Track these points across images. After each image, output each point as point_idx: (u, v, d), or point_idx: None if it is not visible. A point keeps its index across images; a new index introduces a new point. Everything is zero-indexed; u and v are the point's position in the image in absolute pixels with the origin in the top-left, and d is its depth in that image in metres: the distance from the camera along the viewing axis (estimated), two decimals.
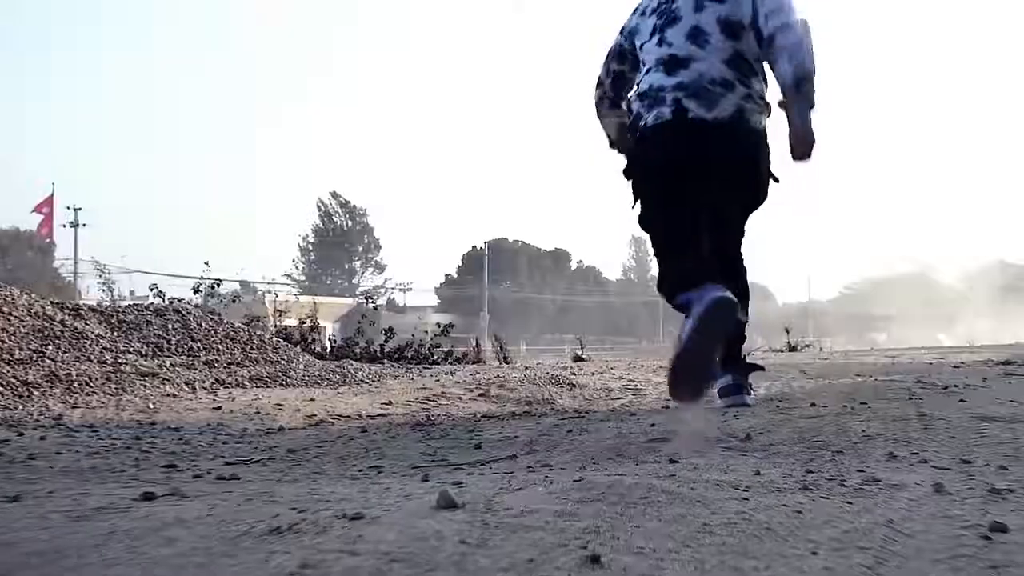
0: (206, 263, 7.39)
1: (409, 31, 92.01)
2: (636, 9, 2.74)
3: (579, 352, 7.08)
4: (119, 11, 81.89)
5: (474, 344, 7.83)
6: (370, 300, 7.85)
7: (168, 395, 3.31)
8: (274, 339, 4.79)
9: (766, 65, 2.49)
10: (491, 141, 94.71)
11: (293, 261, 61.38)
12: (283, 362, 4.34)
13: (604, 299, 59.12)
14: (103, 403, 3.02)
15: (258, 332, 4.76)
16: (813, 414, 2.02)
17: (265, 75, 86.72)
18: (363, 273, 62.39)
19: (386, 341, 6.90)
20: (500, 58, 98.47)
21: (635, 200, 2.55)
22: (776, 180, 2.55)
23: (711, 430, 1.78)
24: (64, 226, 41.16)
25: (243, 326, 4.73)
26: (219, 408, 3.03)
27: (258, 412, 2.97)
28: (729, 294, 2.04)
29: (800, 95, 2.34)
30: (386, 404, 3.30)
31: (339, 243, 60.85)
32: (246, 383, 3.80)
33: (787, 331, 12.20)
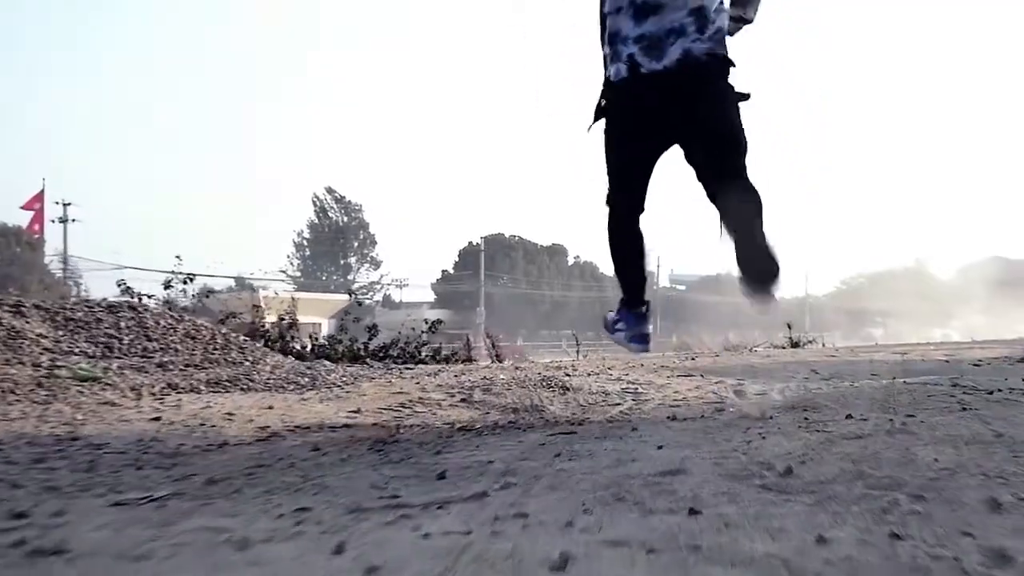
0: (177, 256, 6.98)
1: (406, 27, 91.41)
2: None
3: (571, 351, 6.70)
4: (115, 5, 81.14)
5: (464, 342, 7.43)
6: (354, 296, 7.43)
7: (105, 403, 2.92)
8: (241, 338, 4.39)
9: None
10: (487, 136, 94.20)
11: (288, 257, 60.95)
12: (248, 363, 3.95)
13: (601, 294, 58.74)
14: (25, 414, 2.62)
15: (223, 331, 4.36)
16: (857, 432, 1.64)
17: (262, 70, 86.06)
18: (359, 269, 62.02)
19: (370, 339, 6.50)
20: (497, 52, 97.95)
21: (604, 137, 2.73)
22: (745, 97, 2.58)
23: (735, 459, 1.40)
24: (53, 221, 40.74)
25: (207, 324, 4.34)
26: (158, 419, 2.63)
27: (203, 424, 2.57)
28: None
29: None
30: (353, 412, 2.91)
31: (334, 238, 60.43)
32: (202, 387, 3.40)
33: (789, 326, 11.84)
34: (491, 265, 53.21)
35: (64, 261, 41.48)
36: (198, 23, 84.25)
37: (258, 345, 4.48)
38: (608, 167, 2.74)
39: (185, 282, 6.80)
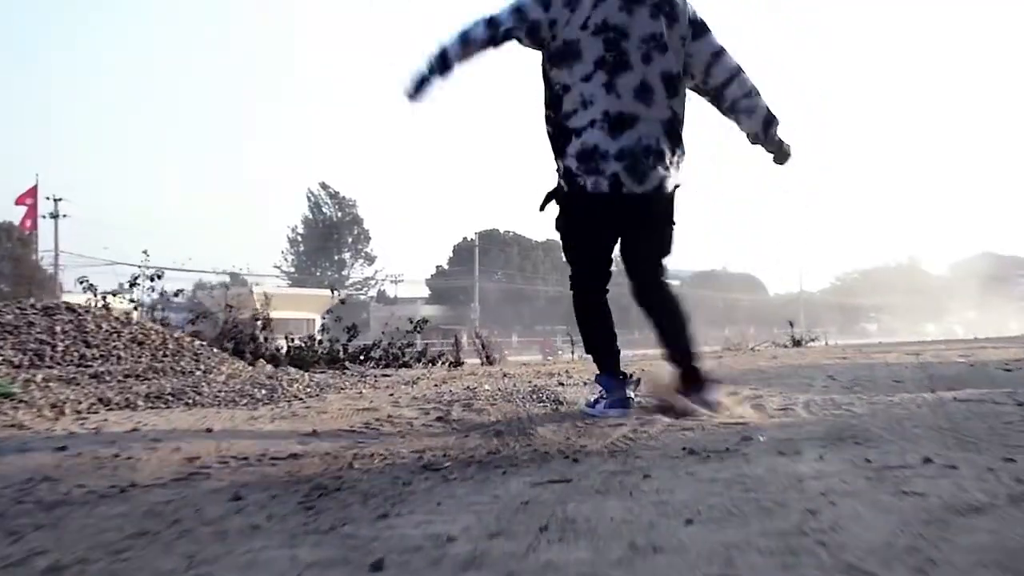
0: (144, 252, 6.49)
1: (401, 21, 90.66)
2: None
3: (563, 348, 6.25)
4: (111, 4, 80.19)
5: (453, 342, 6.97)
6: (336, 293, 6.96)
7: (12, 426, 2.46)
8: (196, 343, 3.92)
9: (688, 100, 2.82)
10: (482, 131, 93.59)
11: (282, 253, 60.42)
12: (199, 373, 3.49)
13: None
14: None
15: (176, 335, 3.89)
16: (967, 499, 1.16)
17: (257, 66, 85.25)
18: (353, 265, 61.54)
19: (349, 340, 6.04)
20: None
21: (562, 235, 2.92)
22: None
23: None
24: (44, 217, 40.19)
25: (158, 327, 3.87)
26: (64, 448, 2.17)
27: (118, 455, 2.12)
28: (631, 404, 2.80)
29: (769, 137, 2.87)
30: (307, 436, 2.46)
31: (328, 234, 59.92)
32: (139, 403, 2.95)
33: (791, 324, 11.43)
34: (485, 260, 52.75)
35: (56, 257, 40.95)
36: (194, 20, 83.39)
37: (215, 351, 4.02)
38: (577, 255, 2.92)
39: (152, 279, 6.32)
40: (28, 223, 38.74)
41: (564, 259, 2.97)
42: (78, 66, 76.51)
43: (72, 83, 76.01)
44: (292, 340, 6.09)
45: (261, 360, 5.39)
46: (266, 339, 5.86)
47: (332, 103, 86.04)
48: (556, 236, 2.98)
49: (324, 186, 60.43)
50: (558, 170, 2.78)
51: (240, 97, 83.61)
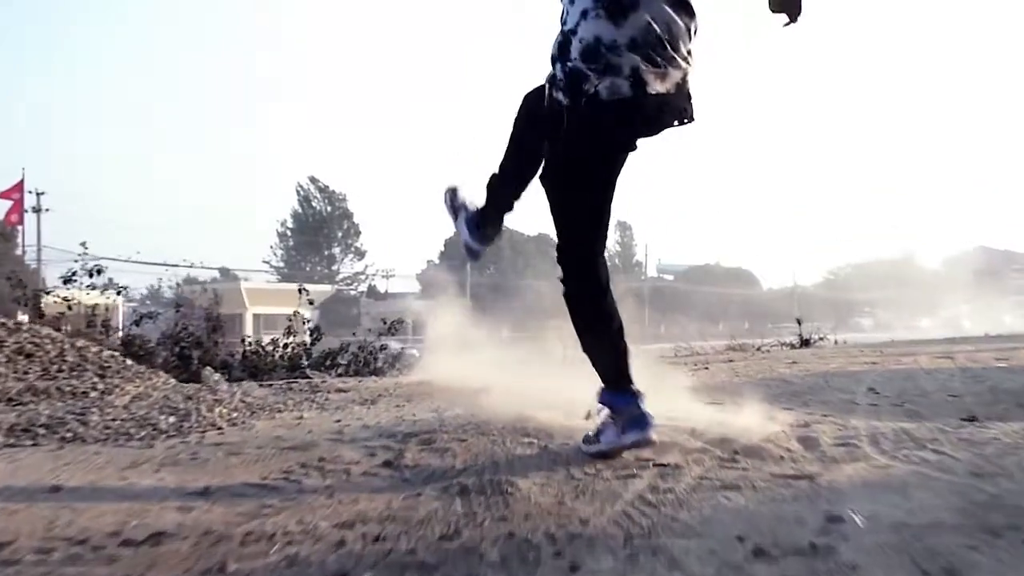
0: (83, 244, 5.74)
1: (394, 14, 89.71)
2: None
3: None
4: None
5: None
6: (305, 293, 6.23)
7: None
8: (104, 353, 3.20)
9: None
10: (472, 124, 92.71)
11: (272, 247, 59.58)
12: (96, 393, 2.77)
13: None
14: None
15: (79, 344, 3.17)
16: None
17: (244, 57, 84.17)
18: (343, 259, 60.72)
19: (312, 344, 5.32)
20: (482, 40, 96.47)
21: (555, 183, 2.18)
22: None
23: None
24: (27, 211, 39.34)
25: (56, 335, 3.15)
26: None
27: None
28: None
29: None
30: (196, 495, 1.75)
31: (318, 228, 59.11)
32: None
33: (799, 322, 10.74)
34: None
35: (38, 251, 40.12)
36: (182, 13, 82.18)
37: (129, 363, 3.29)
38: (577, 207, 2.16)
39: (91, 275, 5.57)
40: (14, 218, 37.91)
41: (552, 210, 2.20)
42: (65, 60, 75.27)
43: (59, 78, 74.78)
44: (248, 344, 5.36)
45: (208, 369, 4.67)
46: (217, 343, 5.13)
47: (321, 95, 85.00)
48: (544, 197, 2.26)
49: (313, 180, 59.52)
50: (554, 84, 2.13)
51: (228, 90, 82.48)
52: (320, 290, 47.71)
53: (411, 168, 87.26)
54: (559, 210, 2.18)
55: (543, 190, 2.23)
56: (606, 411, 2.10)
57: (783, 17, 2.23)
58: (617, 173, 2.18)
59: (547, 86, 2.19)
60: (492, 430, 2.38)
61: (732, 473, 1.87)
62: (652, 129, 2.17)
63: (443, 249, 57.12)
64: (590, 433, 2.14)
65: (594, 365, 2.16)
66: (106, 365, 3.05)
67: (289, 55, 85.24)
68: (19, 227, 37.59)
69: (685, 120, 2.20)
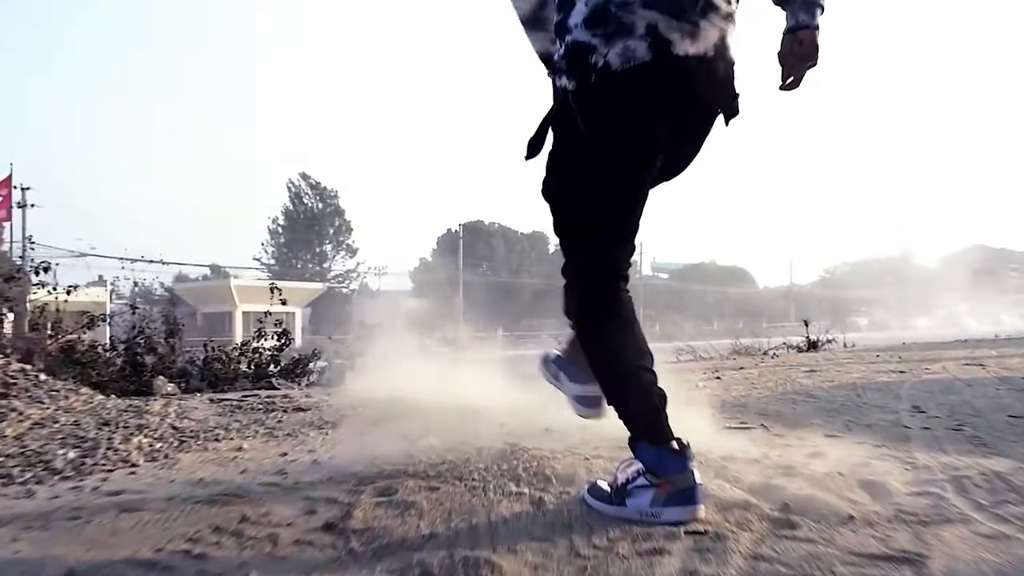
0: (30, 237, 5.19)
1: (389, 9, 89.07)
2: None
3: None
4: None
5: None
6: (277, 293, 5.70)
7: None
8: (11, 367, 2.68)
9: None
10: (467, 120, 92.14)
11: (263, 244, 58.95)
12: None
13: None
14: None
15: None
16: None
17: (235, 53, 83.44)
18: (334, 257, 60.10)
19: (281, 349, 4.79)
20: (477, 36, 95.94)
21: (563, 177, 1.65)
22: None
23: None
24: (13, 206, 38.73)
25: None
26: None
27: None
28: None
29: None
30: None
31: (309, 225, 58.49)
32: None
33: (806, 324, 10.27)
34: (470, 253, 51.53)
35: (24, 248, 39.51)
36: (174, 9, 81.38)
37: (41, 379, 2.77)
38: (594, 206, 1.63)
39: (37, 272, 5.03)
40: (1, 213, 37.34)
41: (562, 226, 1.68)
42: (54, 56, 74.39)
43: (47, 71, 73.85)
44: (214, 349, 4.83)
45: (161, 378, 4.15)
46: (174, 348, 4.60)
47: (312, 91, 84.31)
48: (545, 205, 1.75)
49: (305, 176, 58.84)
50: (555, 64, 1.67)
51: (221, 87, 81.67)
52: (311, 288, 47.12)
53: (404, 165, 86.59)
54: (571, 225, 1.68)
55: (547, 203, 1.73)
56: (637, 464, 1.59)
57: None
58: (648, 173, 1.63)
59: (551, 79, 1.70)
60: (472, 472, 1.88)
61: (794, 547, 1.36)
62: (691, 108, 1.63)
63: (436, 247, 56.58)
64: (605, 484, 1.63)
65: (623, 416, 1.64)
66: (11, 382, 2.54)
67: (282, 51, 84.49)
68: (5, 223, 36.97)
69: (731, 111, 1.67)
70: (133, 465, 2.04)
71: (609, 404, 1.68)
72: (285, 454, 2.18)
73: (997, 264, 65.56)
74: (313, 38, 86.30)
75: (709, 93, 1.62)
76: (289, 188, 59.21)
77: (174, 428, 2.45)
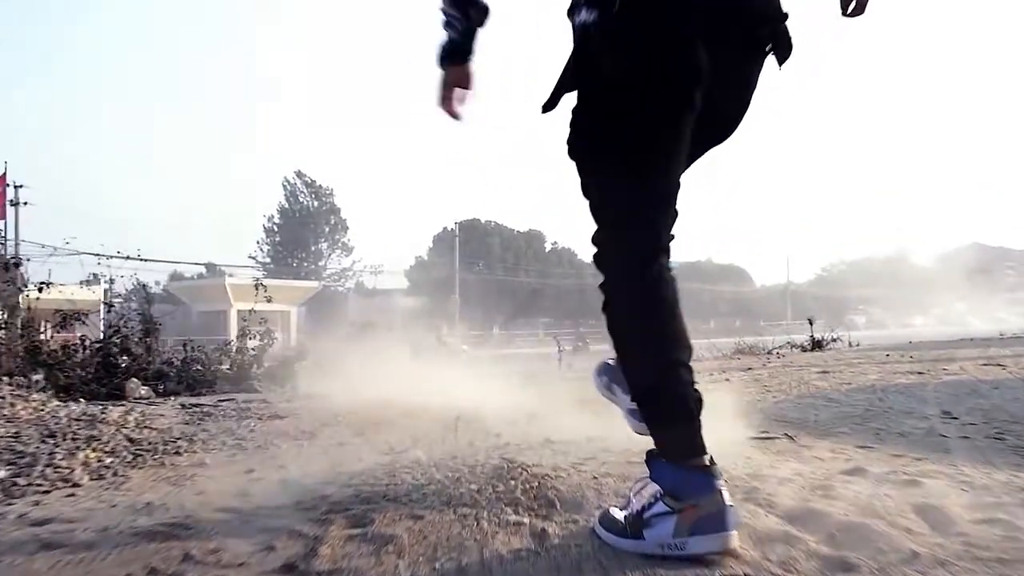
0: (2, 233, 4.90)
1: (385, 7, 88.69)
2: None
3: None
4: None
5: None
6: (261, 288, 5.42)
7: None
8: None
9: None
10: (470, 122, 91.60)
11: (258, 243, 58.57)
12: None
13: (580, 281, 56.71)
14: None
15: None
16: None
17: (230, 51, 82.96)
18: (330, 255, 59.74)
19: (265, 350, 4.53)
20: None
21: (595, 141, 1.37)
22: None
23: None
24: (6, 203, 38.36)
25: None
26: None
27: None
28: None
29: None
30: None
31: (305, 224, 58.12)
32: None
33: (811, 322, 10.05)
34: (466, 251, 51.23)
35: (16, 245, 39.14)
36: (168, 11, 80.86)
37: None
38: (624, 162, 1.35)
39: (7, 268, 4.73)
40: None
41: (590, 187, 1.42)
42: (49, 54, 73.88)
43: (41, 67, 73.34)
44: (191, 350, 4.55)
45: (135, 381, 3.89)
46: (150, 349, 4.33)
47: (308, 89, 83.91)
48: (572, 165, 1.47)
49: (300, 174, 58.46)
50: (574, 8, 1.40)
51: (218, 85, 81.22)
52: (307, 287, 46.72)
53: (400, 162, 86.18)
54: (600, 186, 1.42)
55: (573, 162, 1.45)
56: (654, 487, 1.33)
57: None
58: (688, 114, 1.35)
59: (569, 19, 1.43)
60: (463, 494, 1.62)
61: None
62: (733, 24, 1.36)
63: (431, 245, 56.24)
64: (619, 512, 1.37)
65: (648, 421, 1.37)
66: None
67: (278, 50, 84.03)
68: (0, 220, 36.59)
69: (781, 49, 1.42)
70: (74, 485, 1.78)
71: (633, 401, 1.41)
72: (252, 471, 1.92)
73: (994, 262, 65.52)
74: (310, 36, 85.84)
75: (751, 4, 1.38)
76: (284, 186, 58.86)
77: (130, 440, 2.18)
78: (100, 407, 2.74)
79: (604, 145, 1.37)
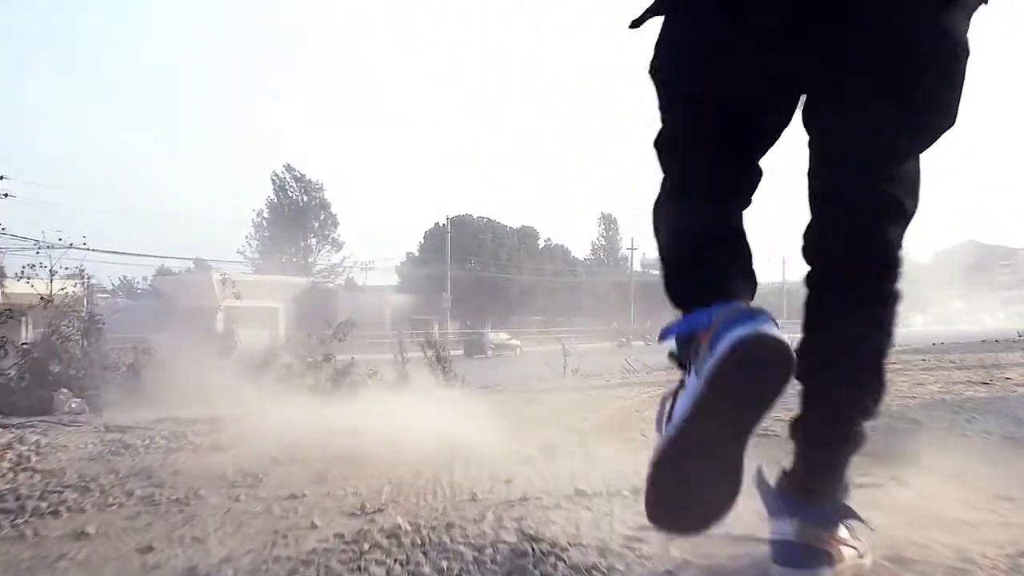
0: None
1: (372, 3, 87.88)
2: None
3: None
4: None
5: (398, 347, 4.83)
6: (231, 284, 4.77)
7: None
8: None
9: None
10: (454, 112, 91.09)
11: (247, 238, 57.73)
12: None
13: (573, 279, 56.00)
14: None
15: None
16: None
17: (220, 44, 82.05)
18: (320, 251, 58.95)
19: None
20: (464, 26, 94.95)
21: (674, 63, 1.20)
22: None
23: None
24: None
25: None
26: None
27: None
28: (776, 330, 0.96)
29: None
30: None
31: (294, 219, 57.31)
32: None
33: None
34: (458, 247, 50.58)
35: None
36: (158, 6, 79.84)
37: None
38: (713, 83, 1.15)
39: None
40: None
41: (664, 108, 1.19)
42: (36, 44, 72.68)
43: (35, 64, 72.16)
44: (143, 351, 3.92)
45: (64, 391, 3.24)
46: (87, 352, 3.67)
47: (299, 84, 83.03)
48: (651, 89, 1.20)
49: (289, 168, 57.60)
50: None
51: (203, 77, 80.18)
52: (295, 283, 45.90)
53: (391, 157, 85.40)
54: (667, 110, 1.22)
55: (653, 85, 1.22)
56: None
57: None
58: (779, 47, 1.10)
59: None
60: (462, 560, 0.99)
61: None
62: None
63: (423, 241, 55.54)
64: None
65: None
66: None
67: (270, 44, 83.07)
68: None
69: None
70: None
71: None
72: (150, 549, 1.29)
73: (989, 260, 65.26)
74: (302, 31, 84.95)
75: None
76: (274, 180, 58.02)
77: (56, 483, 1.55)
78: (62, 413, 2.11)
79: (692, 62, 1.18)
